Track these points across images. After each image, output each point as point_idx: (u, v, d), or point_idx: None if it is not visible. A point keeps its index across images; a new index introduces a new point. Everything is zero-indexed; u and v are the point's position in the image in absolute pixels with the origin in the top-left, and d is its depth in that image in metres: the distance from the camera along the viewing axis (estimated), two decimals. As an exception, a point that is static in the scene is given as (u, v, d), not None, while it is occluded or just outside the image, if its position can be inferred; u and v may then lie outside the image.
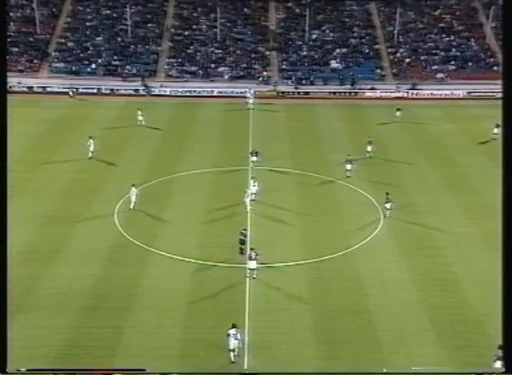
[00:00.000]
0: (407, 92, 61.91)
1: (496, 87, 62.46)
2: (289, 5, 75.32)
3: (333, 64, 67.55)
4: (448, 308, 23.16)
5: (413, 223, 32.27)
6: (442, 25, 71.65)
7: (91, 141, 40.89)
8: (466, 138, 47.18)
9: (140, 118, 48.92)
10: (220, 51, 69.43)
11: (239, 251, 28.25)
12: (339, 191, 36.15)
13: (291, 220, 32.56)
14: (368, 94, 61.87)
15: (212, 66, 67.32)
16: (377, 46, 69.80)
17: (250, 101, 55.71)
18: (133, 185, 33.33)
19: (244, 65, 67.56)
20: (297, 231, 31.25)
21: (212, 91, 62.39)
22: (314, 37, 71.11)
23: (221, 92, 62.35)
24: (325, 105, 57.97)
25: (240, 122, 51.88)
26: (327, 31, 71.87)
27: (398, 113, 51.51)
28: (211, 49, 69.35)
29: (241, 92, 61.49)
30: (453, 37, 70.05)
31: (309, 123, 51.80)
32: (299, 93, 63.16)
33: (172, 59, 67.85)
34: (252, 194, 33.83)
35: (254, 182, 34.37)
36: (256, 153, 39.20)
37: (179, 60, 67.96)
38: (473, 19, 72.25)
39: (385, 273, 27.23)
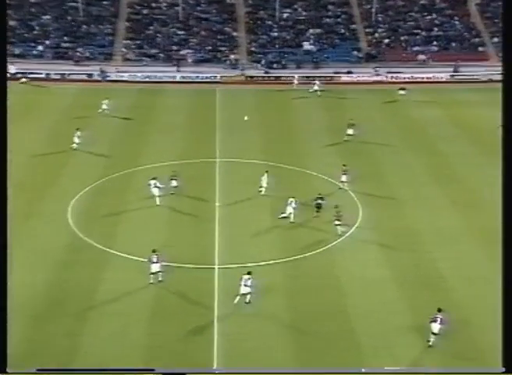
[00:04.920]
0: (387, 76, 62.68)
1: (481, 70, 63.88)
2: (258, -20, 75.26)
3: (306, 46, 67.89)
4: (433, 308, 23.61)
5: (395, 216, 32.80)
6: (423, 2, 72.69)
7: (78, 133, 41.07)
8: (451, 125, 48.09)
9: (105, 106, 48.80)
10: (183, 32, 69.03)
11: (314, 216, 31.37)
12: (315, 183, 36.45)
13: (264, 216, 32.72)
14: (345, 78, 62.43)
15: (174, 48, 66.91)
16: (353, 26, 70.41)
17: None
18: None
19: (209, 47, 67.36)
20: (271, 228, 31.43)
21: (175, 77, 62.08)
22: (285, 16, 71.30)
23: (184, 77, 62.09)
24: (298, 90, 58.25)
25: (206, 110, 51.79)
26: (299, 10, 72.14)
27: (402, 92, 54.09)
28: (173, 30, 68.89)
29: (206, 77, 61.48)
30: (435, 16, 71.16)
31: (281, 110, 52.02)
32: (269, 77, 63.37)
33: (129, 41, 67.18)
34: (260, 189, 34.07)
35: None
36: (173, 176, 35.20)
37: (138, 42, 67.34)
38: (456, -4, 73.54)
39: (366, 270, 27.66)
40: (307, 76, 62.47)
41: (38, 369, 17.75)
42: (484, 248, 29.54)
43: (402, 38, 68.62)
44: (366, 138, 43.77)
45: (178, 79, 61.91)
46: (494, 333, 23.45)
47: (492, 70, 63.77)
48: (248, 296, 24.69)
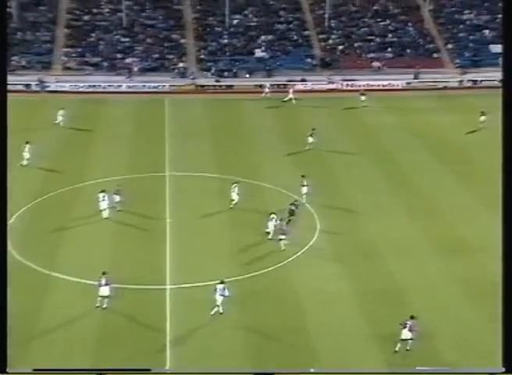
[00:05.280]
0: (342, 83, 64.04)
1: (437, 76, 66.04)
2: (206, -15, 75.94)
3: (258, 53, 68.71)
4: (393, 323, 24.24)
5: (353, 228, 33.51)
6: (376, 8, 74.71)
7: (28, 146, 40.37)
8: (408, 133, 49.48)
9: (61, 118, 48.55)
10: (127, 39, 68.89)
11: (286, 222, 31.86)
12: (269, 195, 36.90)
13: (218, 232, 32.91)
14: (299, 86, 63.45)
15: (118, 56, 66.66)
16: (306, 32, 71.73)
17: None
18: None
19: (156, 55, 67.42)
20: (225, 245, 31.63)
21: (120, 86, 61.81)
22: (235, 22, 72.04)
23: (130, 87, 61.90)
24: (251, 100, 58.88)
25: (154, 121, 51.76)
26: (250, 16, 73.06)
27: (363, 97, 55.64)
28: (117, 37, 68.68)
29: (154, 87, 61.56)
30: (388, 21, 73.18)
31: (233, 120, 52.46)
32: (220, 86, 63.83)
33: (69, 49, 66.56)
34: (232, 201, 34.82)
35: (234, 187, 34.97)
36: (117, 191, 34.85)
37: (79, 50, 66.82)
38: (409, 1, 75.85)
39: (324, 286, 28.15)
40: (260, 85, 63.29)
41: (35, 369, 18.64)
42: (442, 258, 30.51)
43: (356, 45, 70.24)
44: (325, 147, 44.62)
45: (124, 88, 61.69)
46: (457, 344, 24.34)
47: (448, 77, 66.26)
48: (221, 307, 25.42)
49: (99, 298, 25.85)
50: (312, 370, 20.35)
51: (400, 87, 64.22)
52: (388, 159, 43.55)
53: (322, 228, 33.23)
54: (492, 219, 34.16)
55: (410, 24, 72.93)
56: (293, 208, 33.14)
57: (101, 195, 33.68)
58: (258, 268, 29.09)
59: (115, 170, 40.11)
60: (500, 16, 72.98)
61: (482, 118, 49.32)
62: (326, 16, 71.84)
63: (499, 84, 71.30)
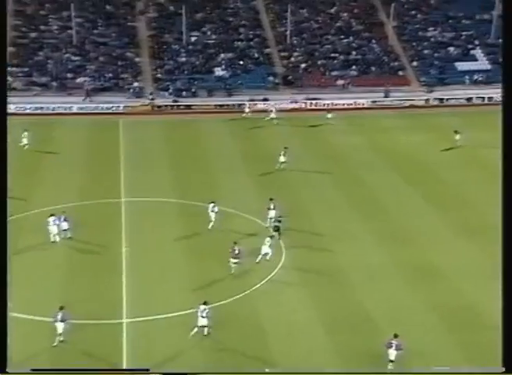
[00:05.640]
0: (305, 103, 64.88)
1: (403, 95, 67.52)
2: (161, 1, 76.53)
3: (218, 71, 69.31)
4: (364, 355, 24.36)
5: (320, 254, 33.67)
6: (339, 24, 76.38)
7: None
8: (374, 153, 50.31)
9: (25, 141, 48.43)
10: (78, 57, 68.68)
11: (278, 238, 33.57)
12: (231, 220, 36.91)
13: (177, 261, 32.70)
14: (261, 106, 64.01)
15: (69, 75, 66.30)
16: (268, 50, 72.75)
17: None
18: None
19: (110, 74, 67.31)
20: (184, 274, 31.44)
21: (71, 107, 61.35)
22: (193, 39, 72.67)
23: (82, 108, 61.54)
24: (211, 120, 59.15)
25: (108, 144, 51.48)
26: (208, 33, 73.79)
27: (329, 115, 57.30)
28: (67, 55, 68.42)
29: (107, 108, 61.38)
30: (352, 38, 74.83)
31: (193, 143, 52.54)
32: (179, 106, 63.96)
33: (15, 68, 65.86)
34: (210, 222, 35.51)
35: (214, 207, 35.65)
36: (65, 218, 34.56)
37: (25, 69, 66.24)
38: (372, 18, 77.81)
39: (291, 315, 28.14)
40: (220, 105, 63.70)
41: (33, 370, 19.81)
42: (411, 284, 30.85)
43: (319, 62, 71.51)
44: (292, 168, 45.20)
45: (75, 110, 61.27)
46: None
47: (414, 95, 67.84)
48: (206, 329, 25.87)
49: (57, 337, 25.34)
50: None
51: (365, 106, 65.46)
52: (355, 181, 44.11)
53: (288, 254, 33.32)
54: (462, 243, 34.95)
55: (374, 41, 74.69)
56: (277, 224, 34.22)
57: (51, 220, 33.41)
58: (220, 298, 28.91)
59: (66, 196, 39.60)
60: (465, 33, 75.73)
61: (457, 136, 50.63)
62: (288, 32, 73.13)
63: (466, 103, 73.78)
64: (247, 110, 60.37)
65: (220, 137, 54.61)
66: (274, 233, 33.84)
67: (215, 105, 64.01)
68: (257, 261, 31.96)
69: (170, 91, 65.94)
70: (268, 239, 32.32)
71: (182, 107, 63.87)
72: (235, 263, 30.94)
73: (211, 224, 35.66)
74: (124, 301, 28.77)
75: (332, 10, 78.34)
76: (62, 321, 25.33)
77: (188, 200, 39.85)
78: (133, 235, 35.07)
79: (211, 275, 31.27)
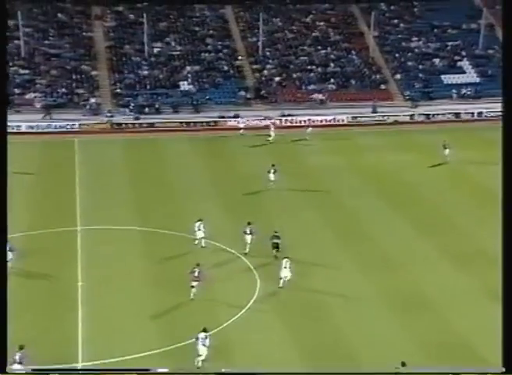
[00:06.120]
0: (280, 119, 65.29)
1: (385, 110, 68.40)
2: (120, 9, 76.79)
3: (184, 86, 69.59)
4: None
5: (297, 285, 33.64)
6: (315, 34, 77.38)
7: None
8: (354, 174, 50.72)
9: None
10: (27, 71, 68.34)
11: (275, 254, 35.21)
12: (199, 251, 36.79)
13: (138, 296, 32.42)
14: (231, 123, 64.31)
15: (16, 91, 65.87)
16: (238, 62, 73.31)
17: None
18: None
19: (63, 89, 67.08)
20: (147, 310, 31.16)
21: (19, 126, 60.84)
22: (156, 51, 72.96)
23: (32, 127, 61.16)
24: (177, 139, 59.16)
25: (62, 166, 51.15)
26: (173, 43, 74.20)
27: (309, 130, 58.79)
28: (14, 68, 68.01)
29: (61, 126, 61.17)
30: (330, 50, 75.83)
31: (156, 164, 52.45)
32: (141, 124, 63.93)
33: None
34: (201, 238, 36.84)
35: (200, 225, 36.64)
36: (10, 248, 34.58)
37: (-30, 84, 65.69)
38: (352, 27, 79.10)
39: (267, 354, 27.98)
40: (187, 122, 63.86)
41: (34, 369, 21.43)
42: (396, 314, 30.97)
43: (295, 75, 72.28)
44: (265, 190, 45.58)
45: (24, 128, 60.86)
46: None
47: (397, 111, 68.72)
48: (203, 357, 26.50)
49: None
50: None
51: (345, 123, 66.13)
52: (336, 204, 44.34)
53: (263, 285, 33.25)
54: (451, 271, 35.25)
55: (353, 52, 75.84)
56: (276, 240, 35.34)
57: None
58: (187, 336, 28.64)
59: (15, 225, 39.08)
60: (451, 43, 77.23)
61: (446, 152, 51.48)
62: (260, 43, 73.88)
63: (454, 118, 74.81)
64: (241, 126, 61.09)
65: (186, 157, 54.63)
66: (274, 252, 35.37)
67: (181, 123, 64.15)
68: (279, 286, 32.74)
69: (131, 107, 65.99)
70: (285, 261, 32.83)
71: (144, 125, 63.89)
72: (193, 286, 31.32)
73: (197, 241, 36.92)
74: (80, 342, 28.37)
75: (308, 19, 79.47)
76: (19, 363, 24.89)
77: (150, 227, 39.63)
78: (89, 267, 34.68)
79: (175, 308, 31.03)
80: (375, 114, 67.72)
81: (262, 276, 34.13)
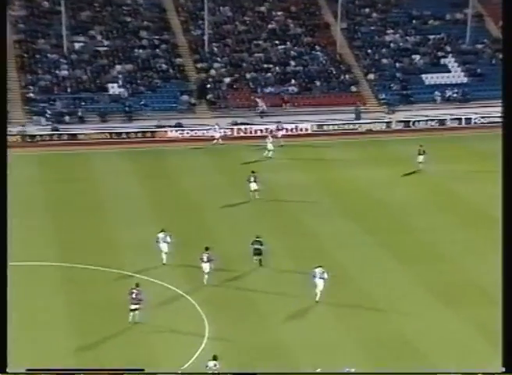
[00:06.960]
0: (232, 128, 65.63)
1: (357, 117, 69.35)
2: (33, -4, 76.30)
3: (113, 89, 69.50)
4: None
5: (251, 329, 33.76)
6: (272, 26, 78.05)
7: None
8: (320, 193, 51.20)
9: None
10: None
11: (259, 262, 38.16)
12: (131, 283, 36.75)
13: (56, 346, 32.37)
14: (172, 134, 64.43)
15: None
16: (179, 60, 73.50)
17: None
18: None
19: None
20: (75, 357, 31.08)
21: None
22: (77, 46, 72.63)
23: None
24: (106, 154, 58.99)
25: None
26: (98, 37, 74.04)
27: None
28: None
29: None
30: (289, 45, 76.57)
31: (80, 184, 52.26)
32: (60, 136, 63.58)
33: None
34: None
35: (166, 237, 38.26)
36: None
37: None
38: (315, 18, 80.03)
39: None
40: (118, 133, 63.69)
41: (28, 369, 23.69)
42: (371, 362, 31.43)
43: (248, 76, 72.73)
44: (220, 215, 46.29)
45: None
46: None
47: (371, 118, 69.53)
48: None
49: None
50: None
51: (309, 132, 66.72)
52: (299, 229, 44.70)
53: (213, 330, 33.40)
54: (439, 309, 35.84)
55: (317, 48, 76.57)
56: (257, 246, 37.61)
57: None
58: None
59: None
60: (433, 37, 78.54)
61: (420, 158, 52.55)
62: (205, 37, 74.14)
63: (438, 126, 76.17)
64: (217, 136, 61.94)
65: (117, 174, 54.48)
66: (254, 258, 37.99)
67: (110, 134, 64.04)
68: (316, 300, 35.22)
69: (47, 115, 65.60)
70: (319, 270, 34.86)
71: (64, 137, 63.55)
72: (133, 310, 32.77)
73: (164, 256, 38.62)
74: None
75: (263, 8, 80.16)
76: None
77: (76, 262, 39.46)
78: (16, 308, 34.31)
79: (104, 360, 31.00)
80: (357, 121, 68.42)
81: (210, 320, 34.16)
